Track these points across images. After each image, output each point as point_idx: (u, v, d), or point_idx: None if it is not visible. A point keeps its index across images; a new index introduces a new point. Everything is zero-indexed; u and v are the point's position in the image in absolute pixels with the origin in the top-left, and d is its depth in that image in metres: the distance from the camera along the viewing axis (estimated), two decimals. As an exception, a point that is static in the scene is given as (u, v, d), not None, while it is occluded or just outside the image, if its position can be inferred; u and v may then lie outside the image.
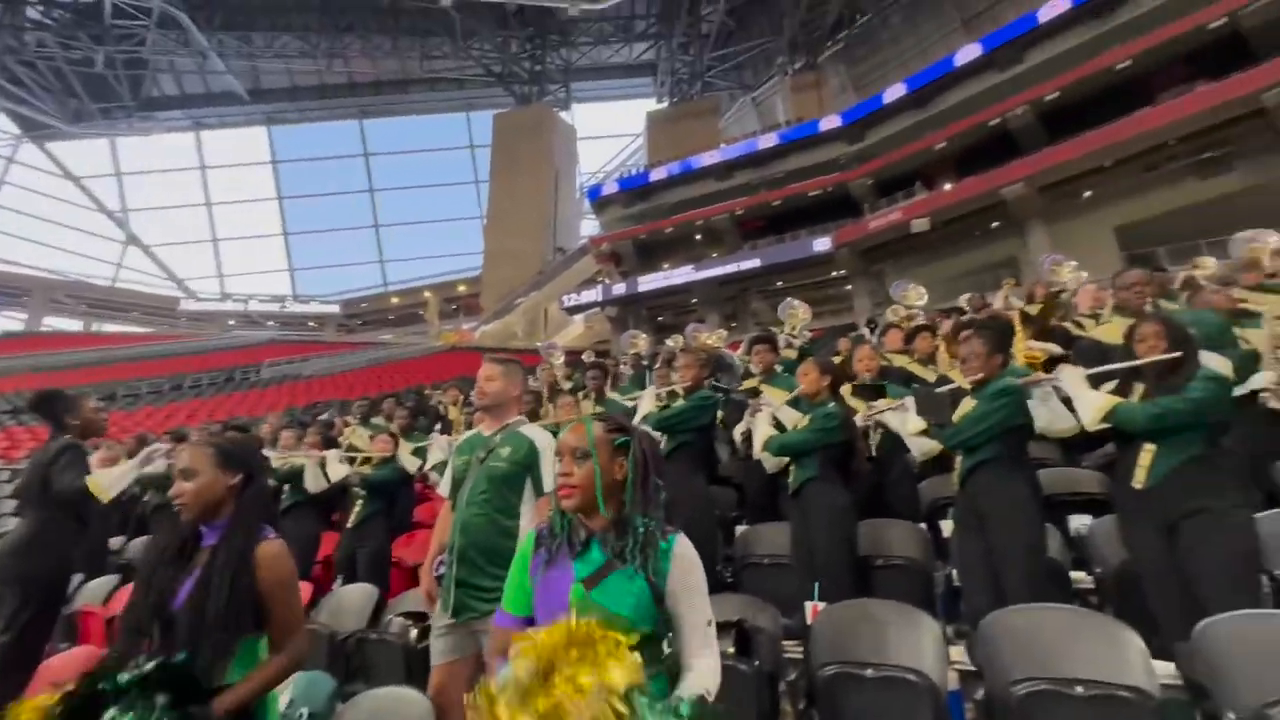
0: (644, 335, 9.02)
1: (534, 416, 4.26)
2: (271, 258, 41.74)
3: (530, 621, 1.32)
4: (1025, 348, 3.05)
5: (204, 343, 28.06)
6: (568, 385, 5.82)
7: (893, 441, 3.23)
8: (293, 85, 36.93)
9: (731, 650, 2.10)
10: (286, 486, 4.25)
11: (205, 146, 39.50)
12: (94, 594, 3.79)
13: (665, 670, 1.22)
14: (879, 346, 4.55)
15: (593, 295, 25.99)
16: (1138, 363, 2.28)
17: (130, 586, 3.71)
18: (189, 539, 1.57)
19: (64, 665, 2.73)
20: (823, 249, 21.33)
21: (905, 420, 2.96)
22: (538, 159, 34.08)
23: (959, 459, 2.58)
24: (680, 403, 3.29)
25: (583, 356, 9.59)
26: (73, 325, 35.01)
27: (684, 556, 1.27)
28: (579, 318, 30.05)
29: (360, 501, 4.06)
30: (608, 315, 26.69)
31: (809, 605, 2.35)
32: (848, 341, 6.41)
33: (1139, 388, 2.32)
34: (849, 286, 22.62)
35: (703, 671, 1.22)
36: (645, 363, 7.53)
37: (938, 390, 2.94)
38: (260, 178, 40.51)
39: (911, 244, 19.95)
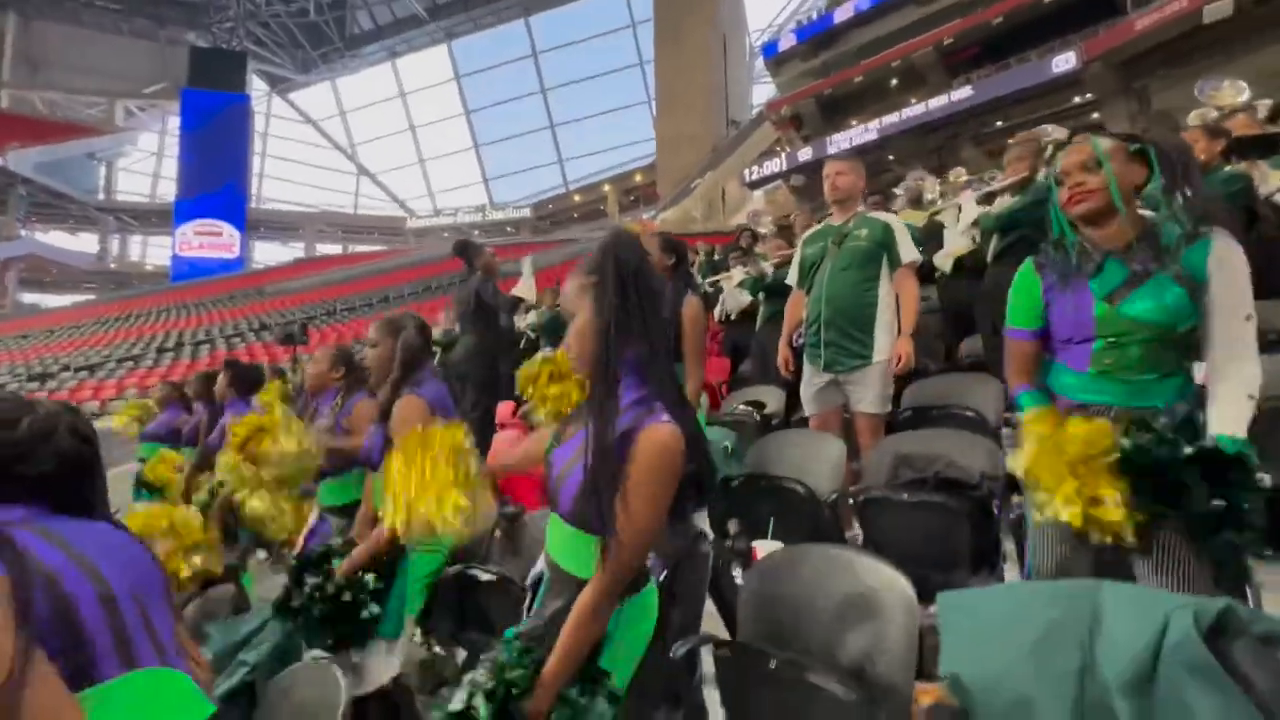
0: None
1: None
2: (469, 171, 45.62)
3: (1041, 334, 1.38)
4: None
5: (427, 254, 32.29)
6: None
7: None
8: (463, -5, 38.27)
9: None
10: None
11: (401, 74, 43.23)
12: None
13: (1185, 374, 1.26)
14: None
15: (774, 166, 24.65)
16: None
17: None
18: None
19: (501, 441, 3.71)
20: (1065, 68, 17.49)
21: None
22: (702, 24, 31.73)
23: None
24: (1015, 199, 3.10)
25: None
26: (334, 249, 42.26)
27: (1225, 256, 1.22)
28: (758, 193, 28.86)
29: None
30: (792, 186, 25.19)
31: None
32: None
33: None
34: (1096, 115, 18.61)
35: (1240, 381, 1.19)
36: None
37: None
38: (449, 95, 43.55)
39: (1197, 42, 15.52)
